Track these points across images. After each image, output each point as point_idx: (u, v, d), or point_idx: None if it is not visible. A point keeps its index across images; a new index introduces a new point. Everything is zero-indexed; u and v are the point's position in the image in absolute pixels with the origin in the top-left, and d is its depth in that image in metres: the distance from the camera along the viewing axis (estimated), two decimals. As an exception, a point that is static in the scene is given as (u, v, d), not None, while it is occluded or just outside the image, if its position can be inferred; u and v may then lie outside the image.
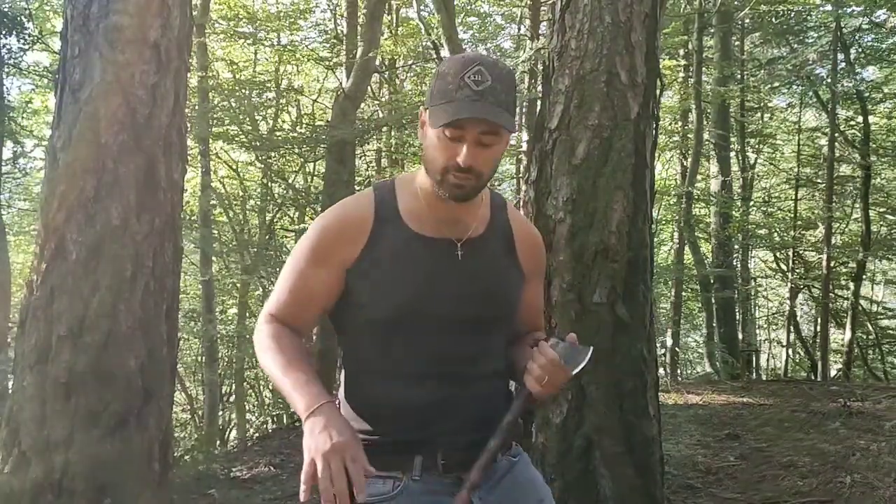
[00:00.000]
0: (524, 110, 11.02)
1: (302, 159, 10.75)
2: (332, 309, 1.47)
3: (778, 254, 12.75)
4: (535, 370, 1.36)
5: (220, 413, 10.90)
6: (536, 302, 1.62)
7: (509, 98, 1.33)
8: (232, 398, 11.43)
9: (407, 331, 1.40)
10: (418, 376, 1.40)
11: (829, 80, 10.23)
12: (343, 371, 1.50)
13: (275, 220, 11.35)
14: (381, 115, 10.99)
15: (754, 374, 11.28)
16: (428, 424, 1.38)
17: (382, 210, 1.41)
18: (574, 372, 1.39)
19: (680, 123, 12.17)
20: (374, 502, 1.37)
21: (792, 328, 11.91)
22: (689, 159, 10.81)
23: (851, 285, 10.60)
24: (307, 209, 11.07)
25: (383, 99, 12.01)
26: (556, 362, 1.35)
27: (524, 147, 10.13)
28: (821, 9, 10.44)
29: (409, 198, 1.43)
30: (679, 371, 11.52)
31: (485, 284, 1.43)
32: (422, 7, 10.25)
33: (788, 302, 12.01)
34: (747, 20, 11.36)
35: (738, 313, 11.56)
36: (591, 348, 1.41)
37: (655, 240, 10.60)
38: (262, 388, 12.80)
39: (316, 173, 11.37)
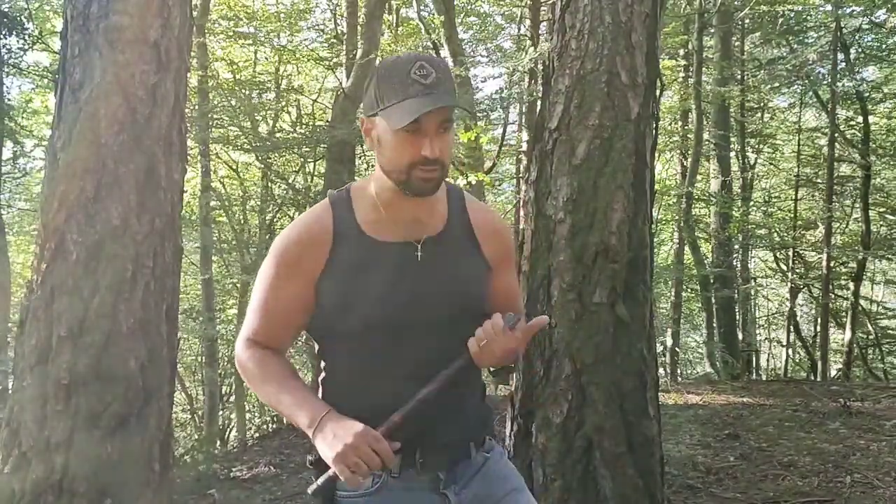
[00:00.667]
0: (524, 110, 11.02)
1: (302, 159, 10.75)
2: (312, 325, 1.49)
3: (778, 254, 12.75)
4: (479, 332, 1.39)
5: (220, 413, 10.90)
6: (510, 289, 1.62)
7: (453, 86, 1.37)
8: (232, 398, 11.43)
9: (378, 338, 1.42)
10: (395, 379, 1.42)
11: (829, 80, 10.23)
12: (322, 378, 1.52)
13: (275, 220, 11.34)
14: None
15: (754, 374, 11.29)
16: (407, 425, 1.40)
17: (340, 221, 1.43)
18: (507, 326, 1.38)
19: (680, 123, 12.17)
20: (354, 496, 1.42)
21: (792, 328, 11.91)
22: (689, 159, 10.81)
23: (851, 285, 10.60)
24: (307, 209, 11.06)
25: (383, 99, 11.98)
26: (499, 328, 1.37)
27: (524, 147, 10.13)
28: (821, 9, 10.45)
29: (365, 206, 1.45)
30: (679, 371, 11.51)
31: (447, 282, 1.45)
32: (422, 7, 10.25)
33: (788, 302, 12.01)
34: (747, 20, 11.36)
35: (738, 313, 11.56)
36: (523, 316, 1.42)
37: (655, 240, 10.60)
38: (262, 388, 12.77)
39: (316, 173, 11.37)
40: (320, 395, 1.51)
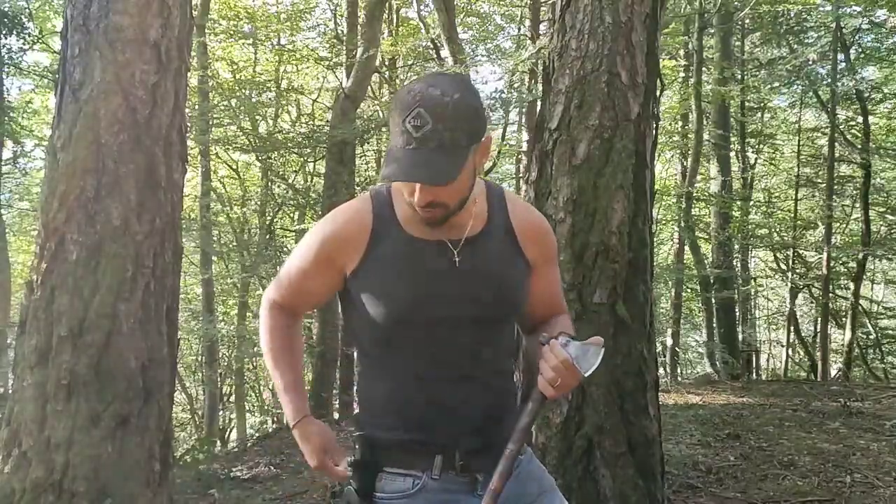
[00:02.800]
0: (524, 110, 11.02)
1: (302, 159, 10.76)
2: (345, 313, 1.54)
3: (778, 254, 12.75)
4: (548, 373, 1.36)
5: (220, 413, 10.90)
6: (552, 288, 1.60)
7: (456, 134, 1.29)
8: (232, 398, 11.43)
9: (414, 334, 1.42)
10: (432, 379, 1.43)
11: (829, 80, 10.23)
12: (358, 372, 1.53)
13: (275, 221, 11.35)
14: (381, 115, 10.99)
15: (754, 374, 11.28)
16: (447, 425, 1.42)
17: (381, 216, 1.44)
18: (587, 374, 1.38)
19: (680, 123, 12.17)
20: (394, 498, 1.42)
21: (792, 328, 11.90)
22: (689, 159, 10.81)
23: (851, 285, 10.60)
24: (307, 209, 11.07)
25: (383, 99, 12.02)
26: (568, 364, 1.36)
27: (524, 147, 10.13)
28: (821, 9, 10.44)
29: (405, 204, 1.41)
30: (679, 371, 11.51)
31: (482, 284, 1.43)
32: (422, 7, 10.26)
33: (788, 302, 12.00)
34: (747, 20, 11.36)
35: (738, 313, 11.56)
36: (602, 348, 1.40)
37: (655, 240, 10.58)
38: (262, 388, 12.80)
39: (316, 173, 11.37)
40: (356, 388, 1.54)
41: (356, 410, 1.54)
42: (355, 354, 1.54)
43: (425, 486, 1.42)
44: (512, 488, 1.46)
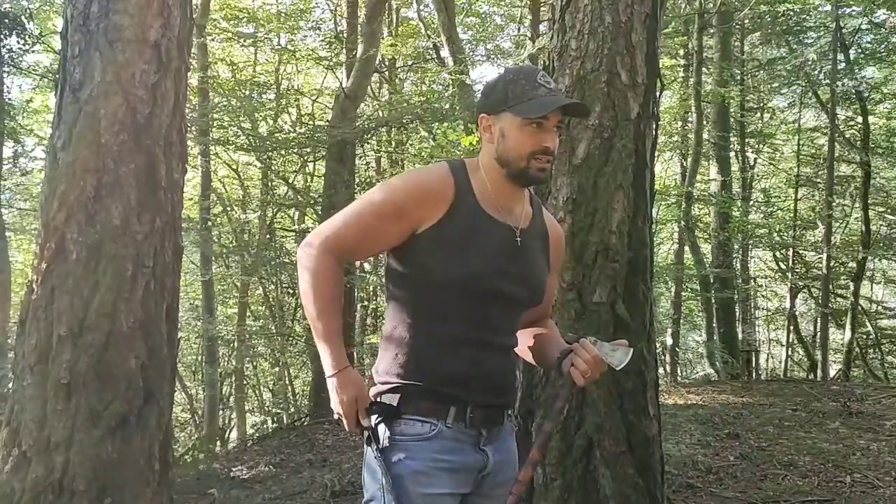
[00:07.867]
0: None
1: (302, 159, 10.76)
2: (395, 267, 1.62)
3: (778, 254, 12.75)
4: (581, 364, 1.58)
5: (220, 413, 10.91)
6: (552, 291, 1.83)
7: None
8: (232, 398, 11.43)
9: (464, 298, 1.57)
10: (465, 340, 1.58)
11: (828, 80, 10.23)
12: (392, 327, 1.63)
13: (275, 221, 11.34)
14: (381, 115, 10.99)
15: (754, 374, 11.28)
16: (465, 382, 1.57)
17: (461, 187, 1.59)
18: (619, 367, 1.60)
19: (680, 123, 12.17)
20: (413, 440, 1.57)
21: (792, 328, 11.90)
22: (689, 159, 10.81)
23: (851, 285, 10.59)
24: (307, 210, 11.07)
25: (383, 99, 12.01)
26: (599, 359, 1.58)
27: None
28: (821, 9, 10.44)
29: (478, 182, 1.61)
30: (679, 371, 11.52)
31: (531, 269, 1.65)
32: (422, 7, 10.27)
33: (788, 302, 12.00)
34: (747, 20, 11.36)
35: (737, 313, 11.55)
36: (632, 349, 1.61)
37: (655, 240, 10.60)
38: (262, 388, 12.80)
39: (316, 173, 11.37)
40: (386, 341, 1.63)
41: (381, 360, 1.64)
42: (390, 309, 1.65)
43: (440, 433, 1.56)
44: (505, 454, 1.67)
